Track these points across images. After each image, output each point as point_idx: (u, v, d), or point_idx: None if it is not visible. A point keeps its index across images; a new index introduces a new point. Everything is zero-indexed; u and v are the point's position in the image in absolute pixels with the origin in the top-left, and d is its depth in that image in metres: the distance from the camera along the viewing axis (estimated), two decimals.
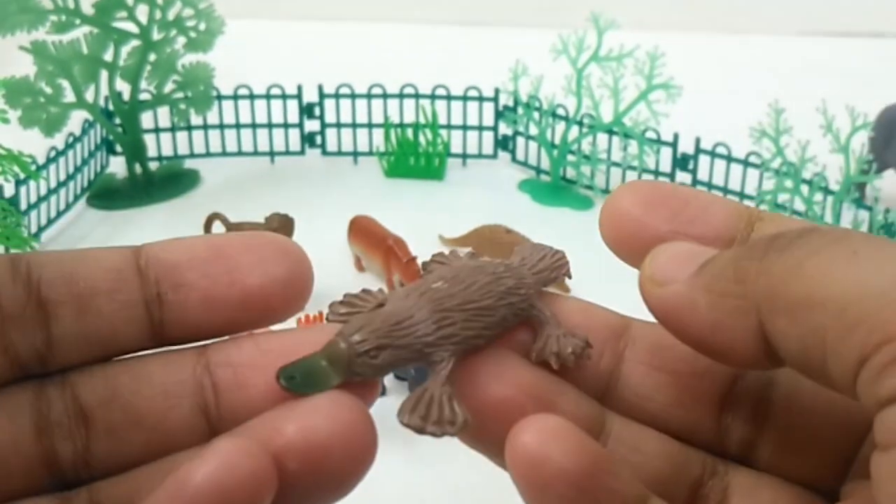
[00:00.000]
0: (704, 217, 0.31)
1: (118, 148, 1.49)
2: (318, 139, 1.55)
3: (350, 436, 0.29)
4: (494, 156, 1.53)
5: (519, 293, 0.32)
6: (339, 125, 1.53)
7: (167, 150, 1.52)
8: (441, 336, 0.30)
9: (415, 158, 1.49)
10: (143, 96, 1.44)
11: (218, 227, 1.23)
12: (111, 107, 1.44)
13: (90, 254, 0.34)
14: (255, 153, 1.55)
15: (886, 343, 0.24)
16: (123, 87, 1.42)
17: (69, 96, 1.36)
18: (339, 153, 1.55)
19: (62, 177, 1.37)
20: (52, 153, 1.35)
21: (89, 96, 1.38)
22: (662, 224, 0.31)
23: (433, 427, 0.32)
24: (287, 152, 1.55)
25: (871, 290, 0.24)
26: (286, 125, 1.53)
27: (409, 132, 1.48)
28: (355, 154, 1.54)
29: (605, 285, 1.25)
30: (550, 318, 0.33)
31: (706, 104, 1.49)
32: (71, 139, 1.39)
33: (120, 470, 0.29)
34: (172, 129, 1.51)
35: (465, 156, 1.53)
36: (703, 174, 1.38)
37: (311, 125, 1.54)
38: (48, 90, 1.33)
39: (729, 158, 1.34)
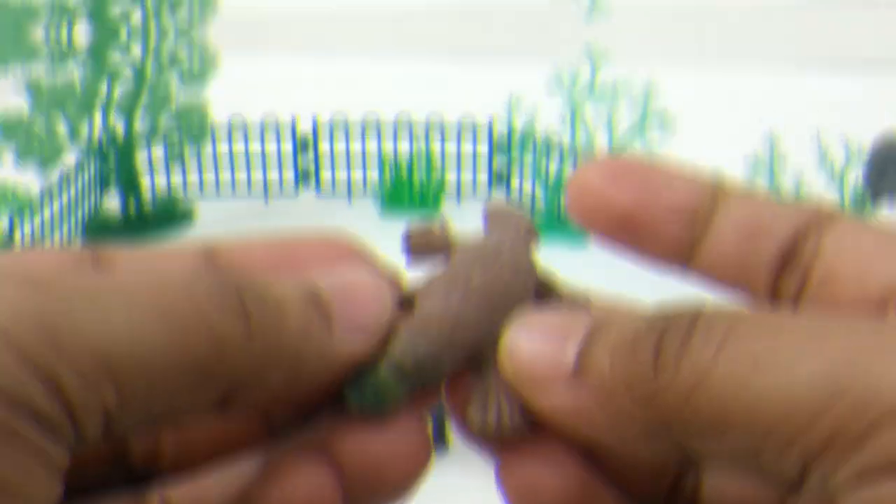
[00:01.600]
0: (670, 189, 0.28)
1: (113, 184, 1.48)
2: (313, 178, 1.54)
3: (409, 452, 0.27)
4: (489, 192, 1.52)
5: (531, 271, 0.30)
6: (333, 163, 1.53)
7: (162, 184, 1.52)
8: (493, 332, 0.28)
9: (410, 195, 1.48)
10: (139, 131, 1.44)
11: None
12: (106, 142, 1.44)
13: (162, 257, 0.30)
14: (250, 195, 1.54)
15: (832, 468, 0.22)
16: (118, 122, 1.42)
17: (64, 132, 1.35)
18: (334, 194, 1.54)
19: (57, 213, 1.36)
20: (48, 189, 1.34)
21: (84, 132, 1.38)
22: (627, 196, 0.28)
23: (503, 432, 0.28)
24: (281, 194, 1.54)
25: (797, 401, 0.22)
26: (280, 162, 1.52)
27: (405, 168, 1.48)
28: (350, 193, 1.53)
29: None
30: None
31: (701, 136, 1.46)
32: (66, 176, 1.38)
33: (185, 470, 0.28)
34: (167, 165, 1.50)
35: (460, 194, 1.51)
36: None
37: (306, 163, 1.54)
38: (43, 126, 1.33)
39: None
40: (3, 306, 0.21)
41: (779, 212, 0.27)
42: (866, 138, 1.29)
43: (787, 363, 0.22)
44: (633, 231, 0.27)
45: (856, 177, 1.28)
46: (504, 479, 0.28)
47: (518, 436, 0.27)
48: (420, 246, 0.31)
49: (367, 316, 0.26)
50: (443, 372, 0.28)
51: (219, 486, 0.27)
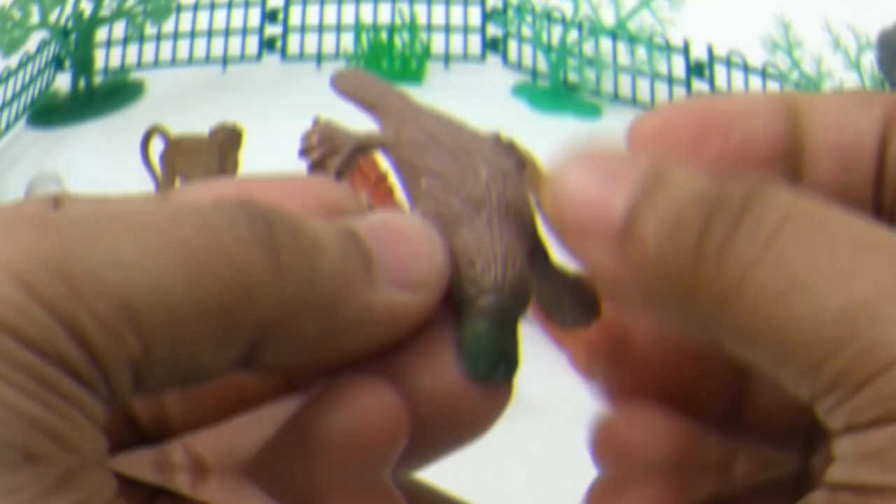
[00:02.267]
0: (755, 133, 0.28)
1: (67, 64, 1.40)
2: (279, 44, 1.42)
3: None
4: (483, 58, 1.40)
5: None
6: (304, 29, 1.41)
7: (116, 64, 1.42)
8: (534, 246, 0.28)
9: (389, 61, 1.36)
10: (106, 14, 1.37)
11: (158, 143, 1.14)
12: (70, 25, 1.35)
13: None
14: (207, 61, 1.42)
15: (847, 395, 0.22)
16: (88, 7, 1.35)
17: (36, 18, 1.30)
18: (301, 58, 1.42)
19: (9, 97, 1.31)
20: (5, 73, 1.29)
21: (54, 17, 1.32)
22: (715, 159, 0.27)
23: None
24: (242, 59, 1.42)
25: (821, 333, 0.23)
26: (245, 31, 1.41)
27: (385, 34, 1.36)
28: (319, 58, 1.40)
29: None
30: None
31: (711, 14, 1.38)
32: (24, 59, 1.32)
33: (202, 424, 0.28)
34: (125, 42, 1.41)
35: (448, 58, 1.39)
36: (721, 82, 1.30)
37: (273, 30, 1.42)
38: (18, 15, 1.28)
39: (746, 69, 1.28)
40: (20, 249, 0.22)
41: (859, 118, 0.27)
42: (873, 27, 1.25)
43: (823, 287, 0.23)
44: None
45: (871, 61, 1.25)
46: (595, 438, 0.32)
47: (586, 326, 0.28)
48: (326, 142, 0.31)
49: (415, 267, 0.25)
50: (528, 298, 0.27)
51: (251, 425, 0.27)
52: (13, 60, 1.30)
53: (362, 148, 0.30)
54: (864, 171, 0.27)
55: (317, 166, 0.30)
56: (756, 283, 0.23)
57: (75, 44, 1.37)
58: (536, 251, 0.28)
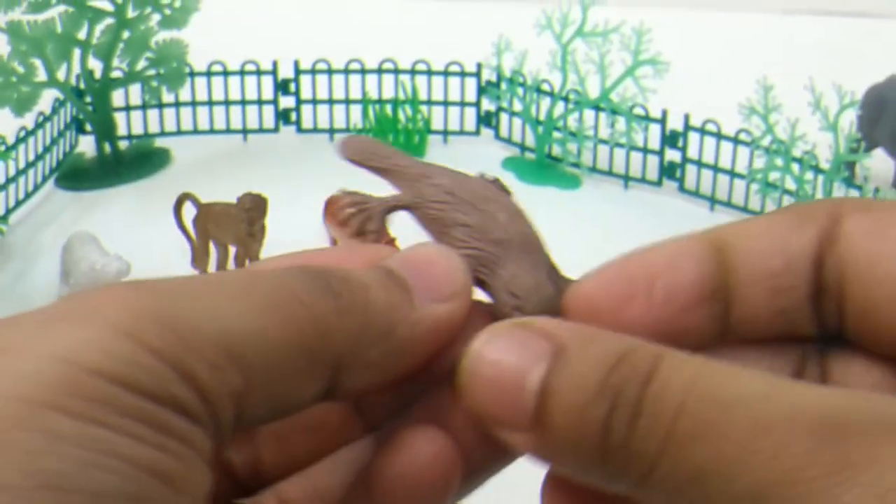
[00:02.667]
0: (675, 285, 0.28)
1: (88, 127, 1.45)
2: (294, 116, 1.50)
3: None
4: (477, 132, 1.49)
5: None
6: (315, 101, 1.49)
7: (138, 129, 1.48)
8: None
9: (394, 135, 1.45)
10: (116, 74, 1.41)
11: (190, 209, 1.20)
12: (83, 85, 1.41)
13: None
14: (228, 131, 1.50)
15: None
16: (96, 66, 1.39)
17: (42, 75, 1.33)
18: (315, 130, 1.51)
19: (31, 157, 1.34)
20: (22, 133, 1.31)
21: (61, 75, 1.35)
22: (643, 315, 0.28)
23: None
24: (261, 130, 1.50)
25: None
26: (260, 102, 1.49)
27: (389, 108, 1.45)
28: (332, 131, 1.50)
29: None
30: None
31: (694, 81, 1.46)
32: (41, 118, 1.35)
33: (289, 473, 0.29)
34: (143, 107, 1.47)
35: (446, 132, 1.49)
36: (692, 152, 1.35)
37: (287, 101, 1.50)
38: (21, 69, 1.30)
39: (719, 136, 1.32)
40: (125, 309, 0.23)
41: (787, 243, 0.27)
42: (860, 85, 1.27)
43: (727, 474, 0.22)
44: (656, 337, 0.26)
45: (850, 122, 1.26)
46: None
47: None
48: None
49: (443, 282, 0.28)
50: (558, 307, 0.29)
51: (333, 471, 0.29)
52: (29, 120, 1.32)
53: (391, 210, 0.33)
54: (796, 293, 0.27)
55: (358, 234, 0.33)
56: (664, 473, 0.23)
57: (92, 106, 1.41)
58: (550, 270, 0.31)
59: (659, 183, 1.38)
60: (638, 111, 1.35)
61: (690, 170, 1.36)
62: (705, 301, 0.27)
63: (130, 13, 1.35)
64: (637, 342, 0.25)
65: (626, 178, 1.39)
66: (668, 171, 1.38)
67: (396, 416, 0.29)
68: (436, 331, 0.28)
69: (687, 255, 0.28)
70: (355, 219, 0.33)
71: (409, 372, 0.28)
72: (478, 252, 0.30)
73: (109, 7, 1.34)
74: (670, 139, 1.36)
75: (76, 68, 1.37)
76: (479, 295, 0.31)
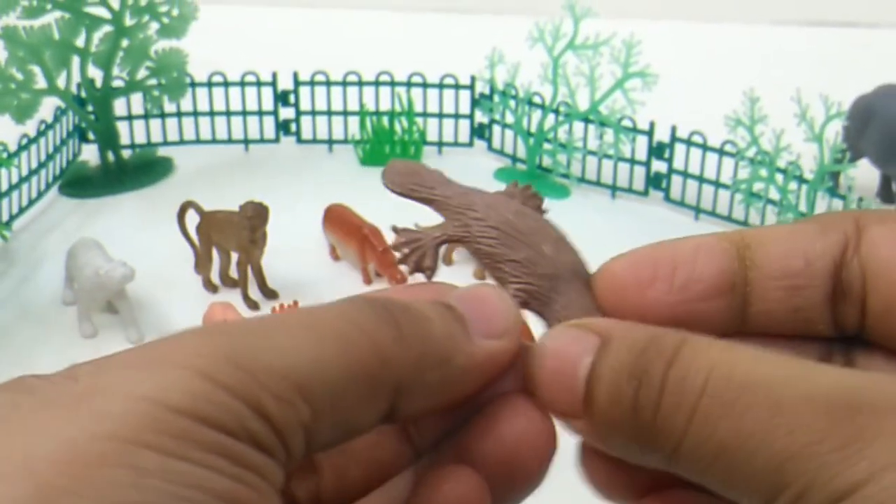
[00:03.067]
0: (696, 274, 0.31)
1: (91, 135, 1.47)
2: (293, 127, 1.53)
3: (538, 438, 0.31)
4: (471, 144, 1.53)
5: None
6: (314, 113, 1.52)
7: (140, 138, 1.51)
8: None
9: (390, 146, 1.48)
10: (116, 83, 1.42)
11: (192, 216, 1.22)
12: (83, 93, 1.42)
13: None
14: (230, 141, 1.53)
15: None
16: (96, 74, 1.40)
17: (41, 82, 1.33)
18: (314, 141, 1.54)
19: (34, 165, 1.35)
20: (24, 140, 1.33)
21: (61, 83, 1.36)
22: (664, 296, 0.31)
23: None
24: (261, 140, 1.53)
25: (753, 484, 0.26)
26: (260, 112, 1.52)
27: (385, 120, 1.48)
28: (330, 142, 1.53)
29: None
30: None
31: (682, 93, 1.49)
32: (43, 126, 1.37)
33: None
34: (146, 117, 1.49)
35: (441, 144, 1.52)
36: (678, 163, 1.38)
37: (286, 112, 1.53)
38: (19, 76, 1.30)
39: (704, 147, 1.35)
40: (200, 352, 0.24)
41: (810, 246, 0.30)
42: (846, 96, 1.29)
43: (748, 448, 0.25)
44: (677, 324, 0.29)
45: (836, 133, 1.28)
46: None
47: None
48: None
49: (497, 320, 0.30)
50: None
51: (385, 498, 0.31)
52: (31, 128, 1.33)
53: (442, 244, 0.35)
54: (814, 292, 0.30)
55: (415, 270, 0.35)
56: (689, 448, 0.26)
57: (94, 115, 1.42)
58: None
59: (645, 193, 1.42)
60: (626, 123, 1.38)
61: (676, 180, 1.39)
62: (724, 292, 0.30)
63: (128, 21, 1.37)
64: (665, 329, 0.28)
65: (614, 189, 1.43)
66: (655, 182, 1.41)
67: (440, 444, 0.31)
68: (489, 363, 0.30)
69: (710, 249, 0.31)
70: (411, 258, 0.35)
71: (460, 400, 0.30)
72: (529, 286, 0.32)
73: (107, 14, 1.36)
74: (657, 150, 1.39)
75: (76, 76, 1.38)
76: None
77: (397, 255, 0.36)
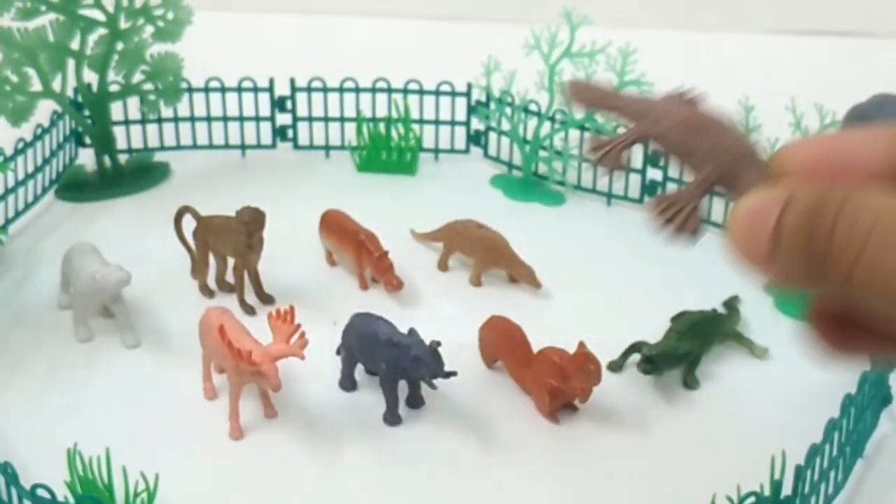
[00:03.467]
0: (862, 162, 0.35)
1: (87, 139, 1.47)
2: (290, 133, 1.54)
3: None
4: (467, 151, 1.53)
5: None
6: (310, 119, 1.53)
7: (137, 143, 1.51)
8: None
9: (387, 153, 1.49)
10: (112, 87, 1.43)
11: (189, 221, 1.22)
12: (79, 97, 1.43)
13: None
14: (227, 146, 1.53)
15: None
16: (91, 77, 1.41)
17: (36, 85, 1.34)
18: (311, 147, 1.54)
19: (30, 169, 1.36)
20: (20, 144, 1.33)
21: (56, 86, 1.36)
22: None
23: (672, 231, 0.40)
24: (258, 146, 1.54)
25: None
26: (257, 118, 1.52)
27: (382, 126, 1.48)
28: (327, 148, 1.54)
29: (577, 280, 1.27)
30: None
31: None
32: (39, 130, 1.37)
33: None
34: (143, 121, 1.50)
35: (437, 150, 1.53)
36: (673, 171, 1.39)
37: (283, 119, 1.53)
38: (14, 78, 1.31)
39: None
40: None
41: None
42: (841, 105, 1.28)
43: None
44: None
45: None
46: None
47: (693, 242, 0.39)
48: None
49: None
50: None
51: None
52: (27, 132, 1.34)
53: (636, 142, 0.42)
54: None
55: (678, 231, 0.41)
56: (861, 277, 0.31)
57: (90, 119, 1.42)
58: (764, 164, 0.38)
59: (640, 200, 1.42)
60: (622, 131, 1.38)
61: (671, 188, 1.40)
62: (884, 177, 0.35)
63: (123, 24, 1.37)
64: (838, 183, 0.33)
65: (609, 196, 1.44)
66: (650, 190, 1.42)
67: None
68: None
69: (870, 142, 0.36)
70: (674, 220, 0.41)
71: None
72: (720, 168, 0.38)
73: (101, 17, 1.36)
74: (652, 159, 1.39)
75: (71, 80, 1.38)
76: None
77: (659, 220, 0.40)
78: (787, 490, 0.86)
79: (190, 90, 1.48)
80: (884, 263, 0.31)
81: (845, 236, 0.32)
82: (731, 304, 1.20)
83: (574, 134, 1.43)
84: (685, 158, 0.39)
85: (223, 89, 1.50)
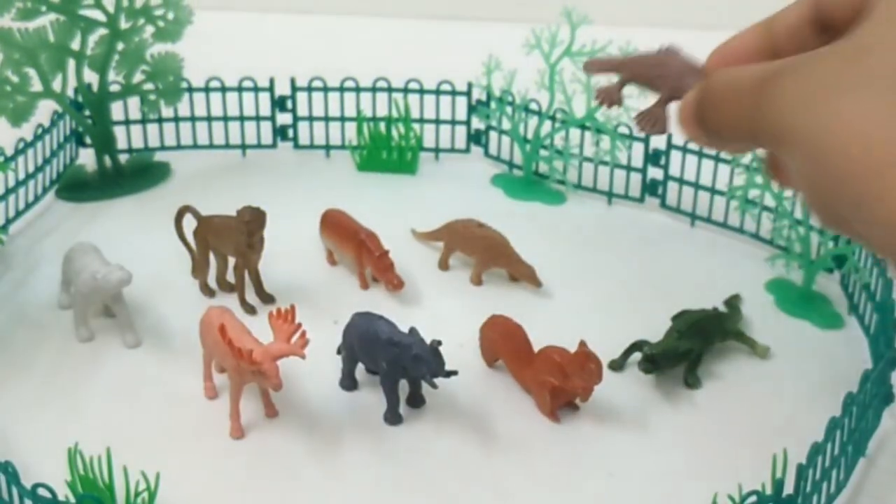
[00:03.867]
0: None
1: (87, 139, 1.47)
2: (291, 132, 1.54)
3: None
4: (467, 150, 1.53)
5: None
6: (311, 118, 1.53)
7: (137, 142, 1.51)
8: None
9: (387, 152, 1.49)
10: (113, 87, 1.43)
11: (189, 221, 1.22)
12: (80, 97, 1.43)
13: None
14: (227, 146, 1.53)
15: None
16: (91, 77, 1.41)
17: (36, 85, 1.34)
18: (312, 146, 1.54)
19: (31, 168, 1.36)
20: (21, 144, 1.33)
21: (56, 86, 1.36)
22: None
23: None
24: (259, 145, 1.54)
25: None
26: (258, 118, 1.52)
27: (382, 126, 1.48)
28: (328, 147, 1.54)
29: (578, 279, 1.28)
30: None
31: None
32: (40, 130, 1.37)
33: None
34: (143, 121, 1.50)
35: (437, 150, 1.53)
36: (674, 169, 1.39)
37: (284, 118, 1.53)
38: (14, 79, 1.31)
39: (700, 154, 1.36)
40: None
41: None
42: None
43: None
44: None
45: None
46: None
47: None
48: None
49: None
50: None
51: None
52: (28, 132, 1.34)
53: (626, 83, 0.57)
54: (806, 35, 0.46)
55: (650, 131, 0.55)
56: (717, 128, 0.42)
57: (91, 119, 1.42)
58: (700, 71, 0.51)
59: (641, 199, 1.42)
60: (622, 130, 1.38)
61: (672, 187, 1.40)
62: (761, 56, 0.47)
63: (123, 24, 1.37)
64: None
65: (610, 195, 1.44)
66: (651, 188, 1.42)
67: None
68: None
69: (749, 38, 0.49)
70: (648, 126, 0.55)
71: None
72: (671, 86, 0.52)
73: (102, 17, 1.36)
74: (653, 157, 1.40)
75: (72, 80, 1.38)
76: None
77: (640, 125, 0.54)
78: (788, 489, 0.86)
79: (190, 90, 1.48)
80: (723, 114, 0.41)
81: (706, 105, 0.43)
82: (733, 302, 1.20)
83: (575, 133, 1.42)
84: (651, 85, 0.54)
85: (223, 89, 1.50)
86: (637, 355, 1.09)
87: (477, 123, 1.52)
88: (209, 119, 1.51)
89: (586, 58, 1.36)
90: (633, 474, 0.98)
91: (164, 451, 0.98)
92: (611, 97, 0.57)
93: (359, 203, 1.33)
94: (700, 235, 1.37)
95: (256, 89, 1.50)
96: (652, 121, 0.55)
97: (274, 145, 1.54)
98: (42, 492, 0.84)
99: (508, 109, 1.45)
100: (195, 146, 1.53)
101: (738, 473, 0.91)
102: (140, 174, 1.47)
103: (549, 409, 1.04)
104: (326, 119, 1.52)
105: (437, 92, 1.49)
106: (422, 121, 1.50)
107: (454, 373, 1.00)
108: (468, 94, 1.49)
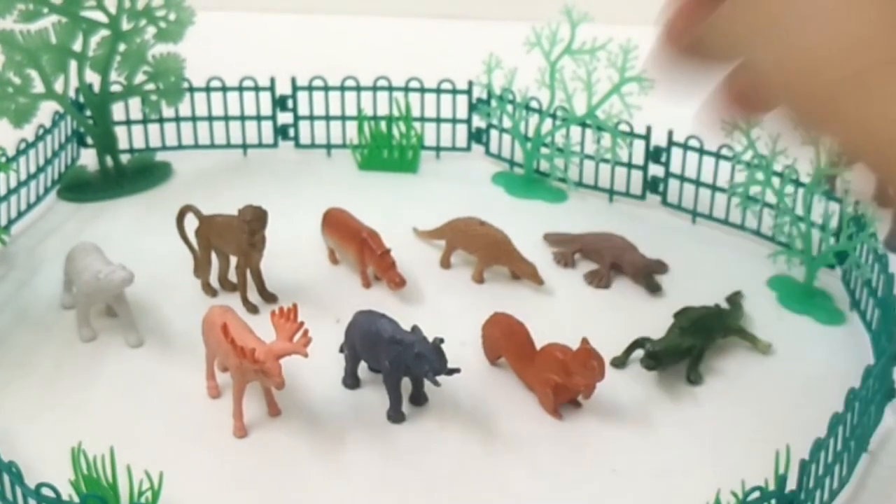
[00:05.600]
0: None
1: (89, 140, 1.47)
2: (292, 132, 1.54)
3: None
4: (468, 148, 1.53)
5: None
6: (312, 118, 1.53)
7: (139, 143, 1.51)
8: None
9: (388, 151, 1.49)
10: (114, 88, 1.43)
11: (191, 220, 1.23)
12: (81, 98, 1.43)
13: None
14: (228, 146, 1.54)
15: None
16: (93, 78, 1.41)
17: (38, 87, 1.34)
18: (313, 146, 1.55)
19: (32, 169, 1.36)
20: (23, 145, 1.33)
21: (58, 87, 1.36)
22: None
23: None
24: (260, 145, 1.54)
25: None
26: (259, 118, 1.52)
27: (383, 125, 1.48)
28: (329, 146, 1.54)
29: (580, 276, 1.28)
30: None
31: (678, 97, 1.50)
32: (41, 131, 1.37)
33: None
34: (144, 121, 1.50)
35: (438, 148, 1.53)
36: (675, 167, 1.39)
37: (285, 118, 1.53)
38: (17, 80, 1.31)
39: (701, 151, 1.36)
40: None
41: None
42: None
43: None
44: None
45: None
46: None
47: None
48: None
49: None
50: None
51: None
52: (29, 133, 1.34)
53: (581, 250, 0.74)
54: None
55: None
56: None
57: (92, 120, 1.42)
58: None
59: (642, 197, 1.42)
60: (623, 127, 1.38)
61: (673, 184, 1.40)
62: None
63: (125, 25, 1.37)
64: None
65: (611, 192, 1.44)
66: (652, 186, 1.42)
67: None
68: None
69: None
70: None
71: None
72: (610, 257, 0.67)
73: (103, 18, 1.36)
74: (654, 154, 1.39)
75: (74, 81, 1.38)
76: None
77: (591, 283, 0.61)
78: (791, 485, 0.86)
79: (191, 90, 1.48)
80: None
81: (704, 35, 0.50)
82: (734, 299, 1.21)
83: (575, 131, 1.42)
84: (596, 254, 0.60)
85: (224, 89, 1.50)
86: (639, 352, 1.10)
87: (478, 122, 1.52)
88: (210, 119, 1.52)
89: (587, 56, 1.37)
90: (636, 471, 0.98)
91: (168, 450, 0.99)
92: (565, 259, 0.77)
93: (360, 202, 1.33)
94: (701, 232, 1.37)
95: (257, 89, 1.50)
96: (598, 277, 0.81)
97: (275, 145, 1.54)
98: (46, 491, 0.84)
99: (509, 108, 1.46)
100: (196, 146, 1.53)
101: (741, 469, 0.91)
102: (141, 174, 1.47)
103: (551, 406, 1.04)
104: (327, 118, 1.53)
105: (438, 90, 1.49)
106: (423, 119, 1.50)
107: (456, 370, 1.00)
108: (469, 92, 1.50)
